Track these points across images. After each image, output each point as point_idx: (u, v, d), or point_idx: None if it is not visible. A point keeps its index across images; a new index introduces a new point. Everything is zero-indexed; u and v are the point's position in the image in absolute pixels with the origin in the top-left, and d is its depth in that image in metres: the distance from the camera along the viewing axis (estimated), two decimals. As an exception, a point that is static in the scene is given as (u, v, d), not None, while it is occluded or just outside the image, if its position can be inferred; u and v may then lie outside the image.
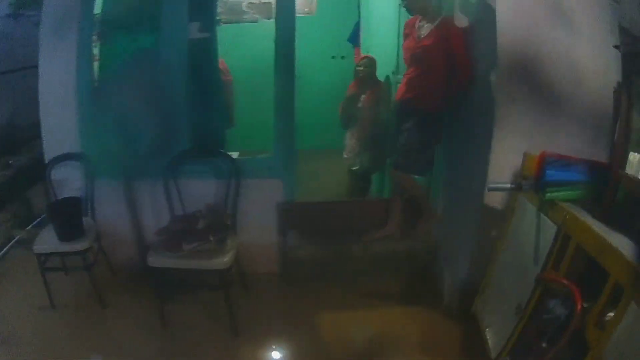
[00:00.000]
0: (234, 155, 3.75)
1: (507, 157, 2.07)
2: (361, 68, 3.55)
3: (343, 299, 2.59)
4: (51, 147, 2.73)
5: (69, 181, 2.75)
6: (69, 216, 2.47)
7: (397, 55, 3.35)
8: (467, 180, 2.37)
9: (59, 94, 2.69)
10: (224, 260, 2.12)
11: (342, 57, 5.26)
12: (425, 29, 2.39)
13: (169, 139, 2.55)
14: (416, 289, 2.69)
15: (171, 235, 2.20)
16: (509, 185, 1.61)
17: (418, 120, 2.47)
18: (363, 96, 3.68)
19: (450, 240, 2.59)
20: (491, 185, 1.63)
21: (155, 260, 2.13)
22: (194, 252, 2.09)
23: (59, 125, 2.73)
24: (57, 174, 2.71)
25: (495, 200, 2.14)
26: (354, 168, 3.90)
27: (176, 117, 2.56)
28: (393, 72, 3.41)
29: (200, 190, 2.61)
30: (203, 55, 2.57)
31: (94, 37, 2.76)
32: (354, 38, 4.49)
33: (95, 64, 2.79)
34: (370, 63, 3.55)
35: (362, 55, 3.73)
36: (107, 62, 2.71)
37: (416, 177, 2.67)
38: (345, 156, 3.96)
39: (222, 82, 3.09)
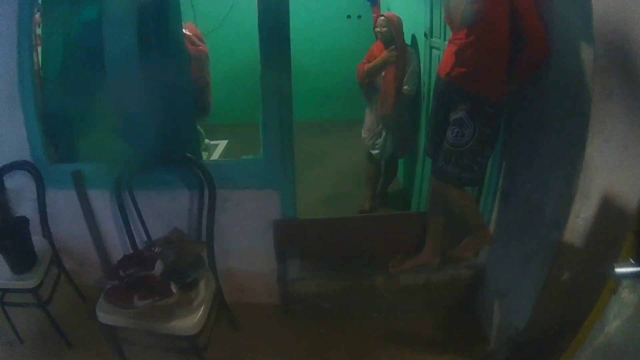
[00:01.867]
0: (222, 144, 3.15)
1: (598, 174, 1.40)
2: (383, 28, 2.84)
3: (361, 344, 2.01)
4: (3, 152, 2.19)
5: (24, 192, 2.26)
6: (15, 243, 1.99)
7: (431, 11, 2.56)
8: (535, 197, 1.68)
9: (3, 89, 2.14)
10: (191, 322, 1.52)
11: (359, 17, 4.64)
12: None
13: (121, 139, 1.93)
14: (454, 329, 2.07)
15: (122, 283, 1.63)
16: (640, 271, 0.92)
17: (474, 110, 1.70)
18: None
19: (504, 269, 1.93)
20: (619, 271, 0.94)
21: (105, 317, 1.57)
22: (151, 308, 1.52)
23: (7, 126, 2.20)
24: (11, 184, 2.21)
25: (575, 236, 1.48)
26: (374, 152, 3.25)
27: (125, 110, 1.90)
28: (426, 35, 2.63)
29: (168, 205, 2.03)
30: (159, 23, 1.84)
31: (37, 15, 2.15)
32: (371, -5, 3.82)
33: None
34: (389, 22, 2.84)
35: (382, 13, 3.00)
36: (50, 45, 2.06)
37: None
38: (363, 135, 3.31)
39: (189, 55, 2.25)
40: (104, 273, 2.28)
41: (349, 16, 4.64)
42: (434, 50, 2.56)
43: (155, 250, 1.66)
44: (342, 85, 4.41)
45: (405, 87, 2.98)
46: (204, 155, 2.66)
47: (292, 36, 1.84)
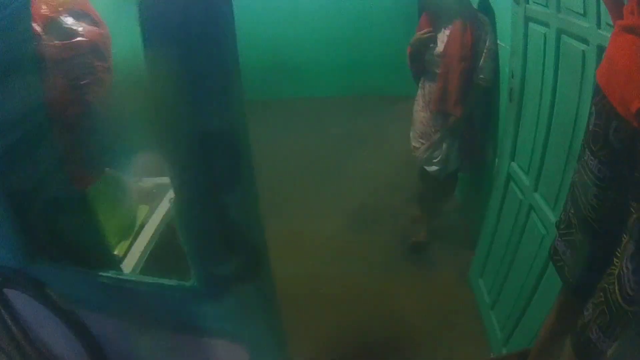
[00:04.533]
0: (162, 207, 1.50)
1: None
2: None
3: None
4: None
5: None
6: None
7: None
8: None
9: None
10: None
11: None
12: None
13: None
14: None
15: None
16: None
17: None
18: (440, 36, 2.06)
19: None
20: None
21: None
22: None
23: None
24: None
25: None
26: (430, 168, 2.28)
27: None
28: (517, -3, 1.47)
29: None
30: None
31: None
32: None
33: None
34: None
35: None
36: None
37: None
38: (413, 144, 2.35)
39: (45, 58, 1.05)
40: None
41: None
42: (531, 25, 1.42)
43: None
44: (378, 55, 3.50)
45: (481, 77, 1.94)
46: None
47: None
